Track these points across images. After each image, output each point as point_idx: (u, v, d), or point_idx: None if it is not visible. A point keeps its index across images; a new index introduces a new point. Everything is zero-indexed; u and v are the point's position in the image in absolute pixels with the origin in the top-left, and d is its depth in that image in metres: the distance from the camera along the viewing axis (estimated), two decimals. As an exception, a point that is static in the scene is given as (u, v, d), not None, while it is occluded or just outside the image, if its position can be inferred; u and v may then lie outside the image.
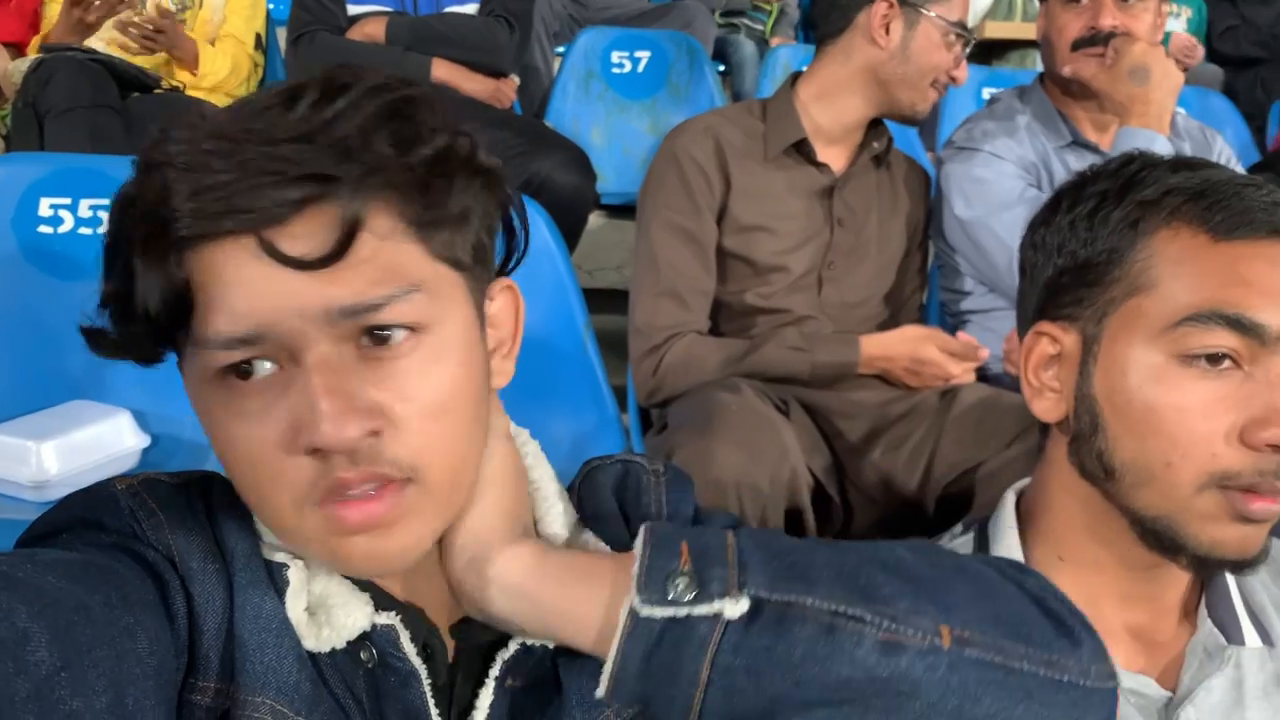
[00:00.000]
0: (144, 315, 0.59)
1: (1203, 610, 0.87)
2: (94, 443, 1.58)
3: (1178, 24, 4.09)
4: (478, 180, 0.65)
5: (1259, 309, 0.78)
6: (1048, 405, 0.88)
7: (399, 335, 0.61)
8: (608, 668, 0.62)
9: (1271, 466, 0.77)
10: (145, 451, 1.66)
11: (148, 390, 1.69)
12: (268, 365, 0.60)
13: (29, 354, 1.70)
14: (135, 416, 1.66)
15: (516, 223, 0.71)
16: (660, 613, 0.61)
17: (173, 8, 2.73)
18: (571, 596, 0.65)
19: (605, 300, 2.49)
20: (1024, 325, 0.92)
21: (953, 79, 1.78)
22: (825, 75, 1.78)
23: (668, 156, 1.75)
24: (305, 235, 0.58)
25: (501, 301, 0.71)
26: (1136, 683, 0.84)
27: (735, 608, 0.61)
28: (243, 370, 0.60)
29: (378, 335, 0.60)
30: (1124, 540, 0.84)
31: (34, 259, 1.73)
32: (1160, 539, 0.82)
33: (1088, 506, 0.86)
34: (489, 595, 0.65)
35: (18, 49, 2.66)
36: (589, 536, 0.74)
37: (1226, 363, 0.79)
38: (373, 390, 0.60)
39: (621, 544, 0.73)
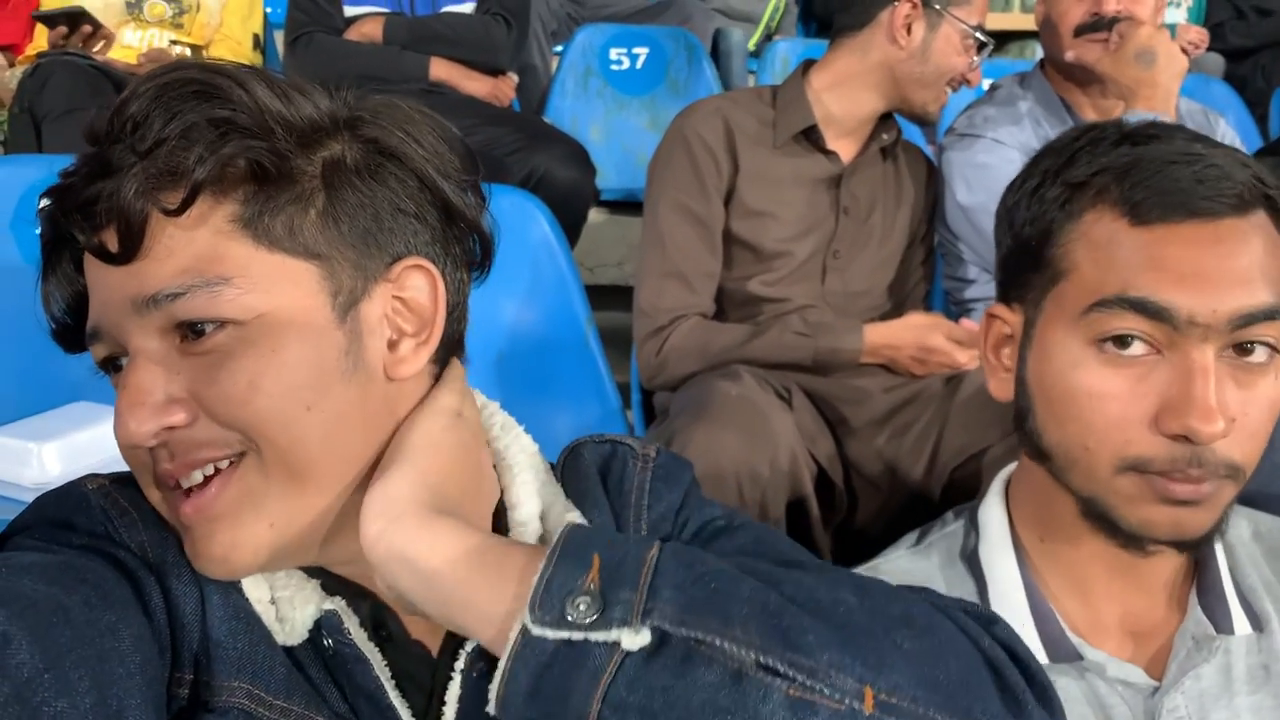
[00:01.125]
0: (57, 319, 0.67)
1: (1193, 597, 0.85)
2: (95, 444, 1.57)
3: (1178, 14, 4.08)
4: (319, 165, 0.63)
5: (1166, 292, 0.76)
6: (1000, 384, 0.88)
7: (208, 328, 0.61)
8: (495, 684, 0.56)
9: (1184, 454, 0.76)
10: (146, 452, 1.66)
11: (149, 391, 1.68)
12: (119, 360, 0.63)
13: (30, 356, 1.70)
14: (136, 417, 1.65)
15: (462, 207, 0.68)
16: (553, 634, 0.55)
17: (168, 14, 2.73)
18: (474, 585, 0.59)
19: (607, 296, 2.48)
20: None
21: (966, 81, 1.78)
22: (841, 67, 1.77)
23: (677, 137, 1.74)
24: (111, 233, 0.60)
25: (411, 285, 0.67)
26: (1123, 671, 0.83)
27: (634, 639, 0.55)
28: (108, 366, 0.65)
29: (194, 329, 0.61)
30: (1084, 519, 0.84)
31: (33, 261, 1.72)
32: (1098, 519, 0.82)
33: (1047, 486, 0.85)
34: (393, 569, 0.60)
35: (13, 53, 2.66)
36: (576, 515, 0.73)
37: (1140, 348, 0.77)
38: (182, 382, 0.61)
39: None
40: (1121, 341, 0.77)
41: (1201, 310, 0.75)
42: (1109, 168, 0.79)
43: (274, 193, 0.62)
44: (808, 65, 1.81)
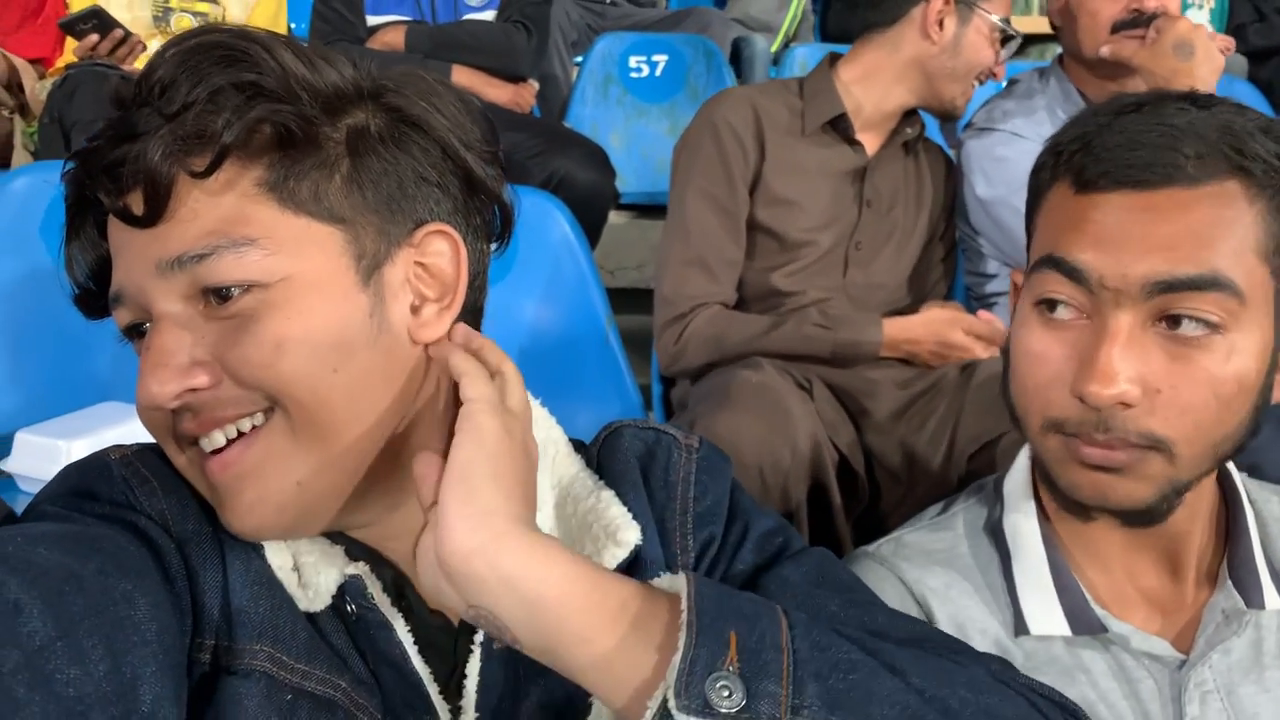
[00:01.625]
0: (81, 285, 0.67)
1: (1223, 571, 0.85)
2: (123, 442, 1.59)
3: (1200, 15, 4.06)
4: (344, 131, 0.64)
5: (1081, 253, 0.76)
6: None
7: (235, 292, 0.61)
8: None
9: (1091, 418, 0.76)
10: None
11: (175, 391, 1.71)
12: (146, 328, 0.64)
13: (58, 357, 1.73)
14: (163, 416, 1.67)
15: (484, 177, 0.69)
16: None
17: (194, 26, 2.77)
18: (592, 628, 0.56)
19: (627, 299, 2.49)
20: None
21: (993, 74, 1.79)
22: (870, 61, 1.77)
23: (705, 123, 1.74)
24: (136, 195, 0.61)
25: (433, 250, 0.68)
26: (1150, 644, 0.82)
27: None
28: (133, 331, 0.65)
29: (219, 294, 0.61)
30: None
31: (63, 265, 1.75)
32: (1046, 481, 0.83)
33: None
34: (491, 588, 0.57)
35: (43, 65, 2.70)
36: (608, 494, 0.72)
37: (1067, 312, 0.78)
38: (206, 345, 0.61)
39: (643, 518, 0.72)
40: (1051, 305, 0.78)
41: (1111, 273, 0.75)
42: (1081, 135, 0.80)
43: (299, 157, 0.63)
44: (833, 58, 1.82)
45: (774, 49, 3.91)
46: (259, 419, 0.63)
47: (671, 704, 0.53)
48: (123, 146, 0.60)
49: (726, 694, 0.53)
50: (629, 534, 0.70)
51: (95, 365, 1.71)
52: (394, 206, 0.66)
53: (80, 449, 1.54)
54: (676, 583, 0.59)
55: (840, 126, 1.75)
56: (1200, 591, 0.85)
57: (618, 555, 0.69)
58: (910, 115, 1.81)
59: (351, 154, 0.64)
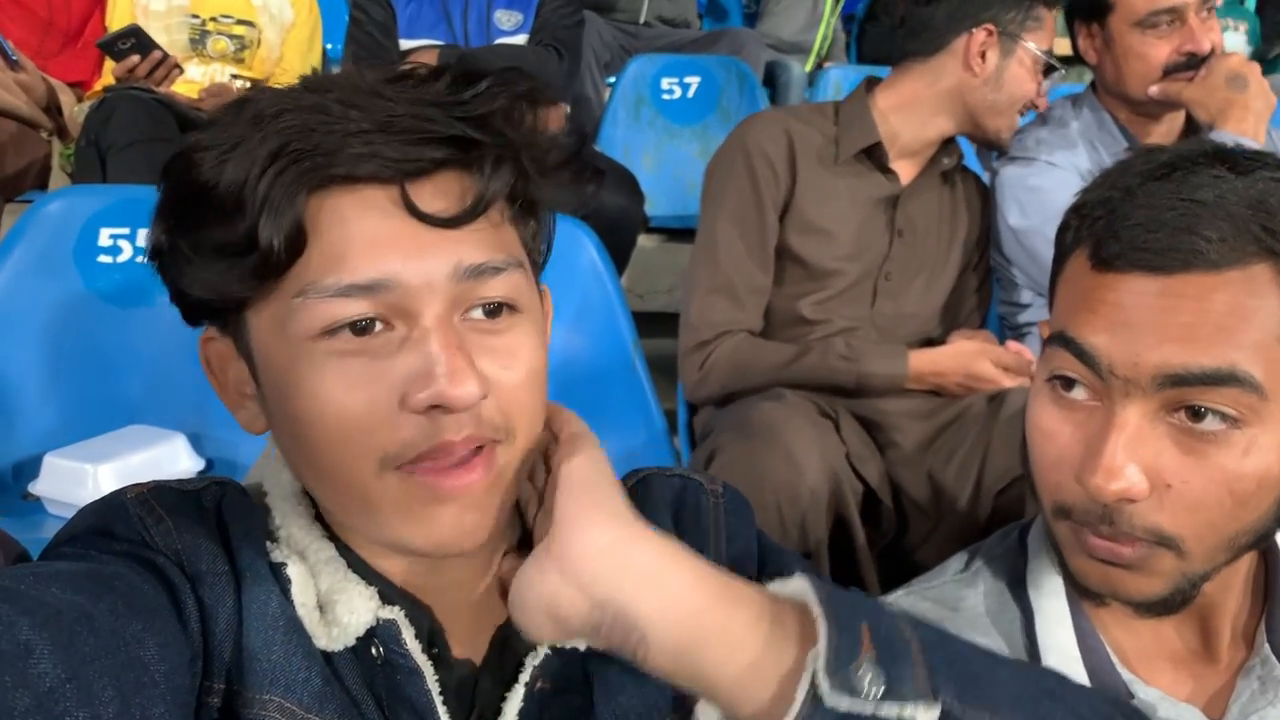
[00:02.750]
0: (266, 251, 0.58)
1: (1261, 634, 0.81)
2: (150, 466, 1.60)
3: (1237, 37, 4.02)
4: (582, 176, 0.67)
5: (1094, 334, 0.72)
6: None
7: (502, 311, 0.63)
8: None
9: (1095, 510, 0.72)
10: (199, 474, 1.68)
11: (202, 415, 1.72)
12: (378, 325, 0.60)
13: (88, 380, 1.74)
14: (190, 440, 1.69)
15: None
16: (846, 704, 0.54)
17: (230, 49, 2.80)
18: (735, 627, 0.57)
19: (656, 323, 2.48)
20: None
21: (1034, 105, 1.77)
22: (909, 90, 1.74)
23: (738, 146, 1.72)
24: (440, 195, 0.60)
25: (544, 302, 0.72)
26: (1178, 711, 0.79)
27: (927, 714, 0.54)
28: (356, 327, 0.60)
29: (487, 309, 0.62)
30: None
31: (94, 288, 1.77)
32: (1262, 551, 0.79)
33: None
34: (633, 586, 0.57)
35: (82, 89, 2.74)
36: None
37: (1082, 393, 0.74)
38: (479, 357, 0.61)
39: None
40: (1067, 383, 0.75)
41: (1121, 361, 0.71)
42: (1106, 200, 0.75)
43: (544, 193, 0.66)
44: (871, 83, 1.79)
45: (807, 68, 3.91)
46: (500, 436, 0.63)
47: (824, 688, 0.54)
48: (442, 145, 0.60)
49: (869, 679, 0.54)
50: None
51: (125, 388, 1.73)
52: (541, 256, 0.70)
53: (107, 473, 1.55)
54: (789, 584, 0.60)
55: (875, 155, 1.73)
56: (1235, 653, 0.82)
57: None
58: (949, 144, 1.79)
59: (561, 199, 0.68)
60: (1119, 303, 0.72)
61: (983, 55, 1.69)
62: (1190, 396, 0.70)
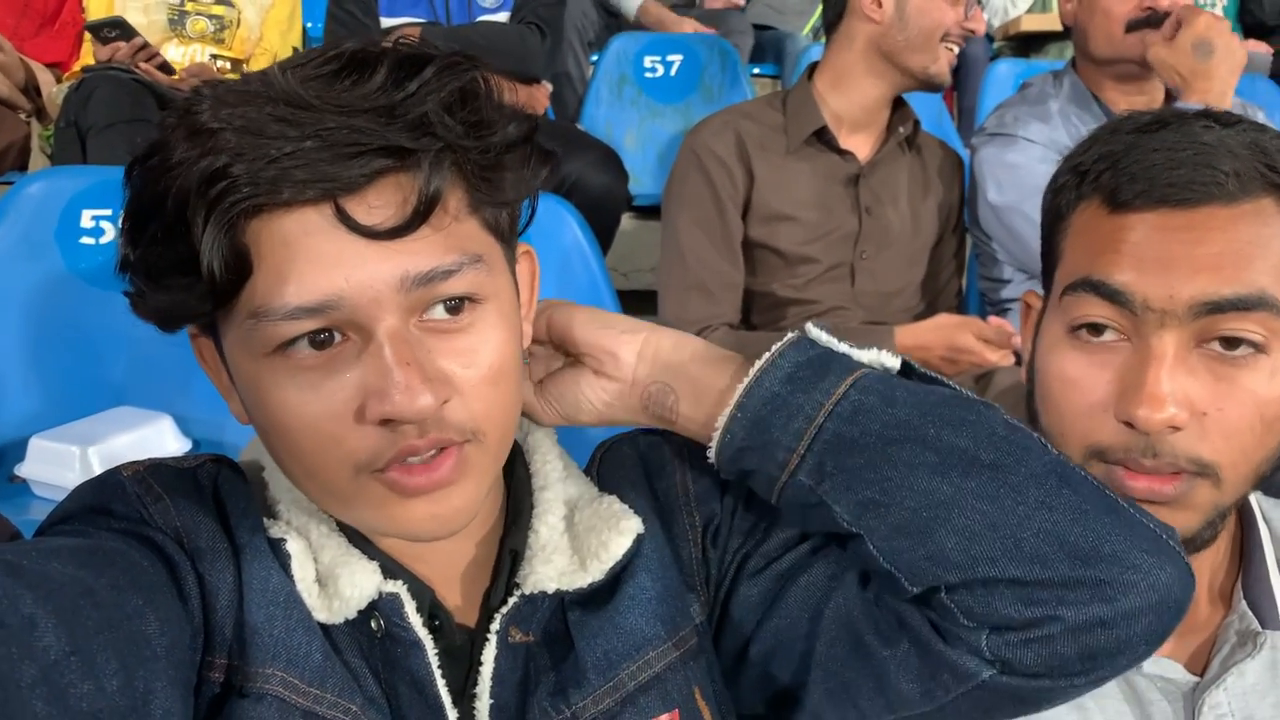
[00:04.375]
0: (207, 279, 0.58)
1: (1238, 591, 0.83)
2: (137, 447, 1.60)
3: (1216, 9, 4.02)
4: (533, 162, 0.66)
5: (1123, 275, 0.74)
6: (1026, 370, 0.88)
7: (463, 306, 0.62)
8: (756, 366, 0.69)
9: (1137, 444, 0.74)
10: (188, 454, 1.69)
11: (189, 396, 1.72)
12: (335, 337, 0.60)
13: (73, 362, 1.74)
14: (176, 421, 1.69)
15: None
16: (824, 339, 0.70)
17: (209, 30, 2.79)
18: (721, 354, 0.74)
19: (642, 301, 2.48)
20: None
21: (971, 30, 1.77)
22: (835, 63, 1.78)
23: (689, 154, 1.76)
24: (381, 206, 0.59)
25: (524, 266, 0.72)
26: (1161, 667, 0.81)
27: (892, 361, 0.69)
28: (315, 340, 0.60)
29: (447, 305, 0.61)
30: None
31: (77, 270, 1.77)
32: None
33: None
34: (668, 367, 0.73)
35: (60, 70, 2.72)
36: (610, 498, 0.75)
37: (1110, 335, 0.76)
38: (439, 360, 0.61)
39: (644, 511, 0.74)
40: (1095, 329, 0.76)
41: (1156, 295, 0.73)
42: (1107, 154, 0.78)
43: (501, 182, 0.64)
44: (813, 69, 1.83)
45: (805, 31, 3.91)
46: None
47: (809, 326, 0.71)
48: (377, 156, 0.59)
49: (847, 343, 0.70)
50: (630, 523, 0.72)
51: (109, 370, 1.73)
52: (514, 226, 0.69)
53: (94, 454, 1.55)
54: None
55: (825, 138, 1.75)
56: (1215, 612, 0.84)
57: (623, 544, 0.71)
58: (900, 110, 1.81)
59: (524, 184, 0.67)
60: (1145, 240, 0.74)
61: (878, 2, 1.72)
62: (1223, 324, 0.73)
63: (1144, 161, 0.75)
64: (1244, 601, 0.82)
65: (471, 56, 0.64)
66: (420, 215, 0.59)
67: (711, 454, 0.70)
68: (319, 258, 0.58)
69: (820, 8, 4.00)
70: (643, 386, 0.73)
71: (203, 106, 0.59)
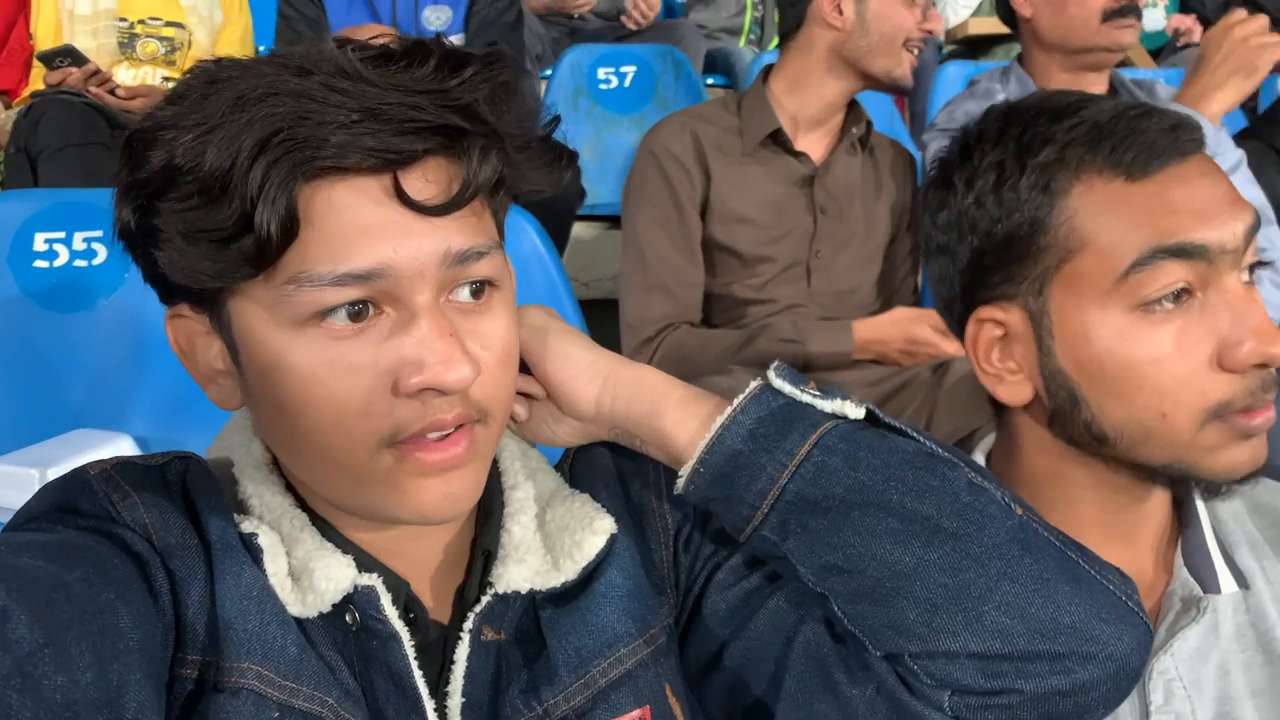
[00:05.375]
0: (261, 239, 0.58)
1: (1178, 559, 0.85)
2: (97, 469, 1.59)
3: (1155, 14, 4.08)
4: (561, 158, 0.69)
5: (1194, 230, 0.76)
6: (1012, 389, 0.84)
7: (485, 290, 0.64)
8: (719, 421, 0.68)
9: (1257, 383, 0.76)
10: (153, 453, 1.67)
11: (147, 416, 1.70)
12: (370, 309, 0.62)
13: (30, 386, 1.72)
14: (136, 442, 1.67)
15: None
16: (789, 389, 0.69)
17: (160, 51, 2.77)
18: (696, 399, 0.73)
19: (601, 310, 2.49)
20: (945, 307, 0.89)
21: (929, 31, 1.79)
22: (795, 68, 1.80)
23: (646, 155, 1.78)
24: (429, 182, 0.61)
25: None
26: None
27: (855, 411, 0.69)
28: (350, 311, 0.61)
29: (472, 288, 0.64)
30: (1105, 485, 0.84)
31: (31, 293, 1.75)
32: (1173, 481, 0.82)
33: (1066, 465, 0.85)
34: (625, 403, 0.73)
35: (9, 96, 2.69)
36: (583, 496, 0.75)
37: (1185, 296, 0.77)
38: (465, 340, 0.63)
39: (616, 511, 0.75)
40: (1175, 295, 0.76)
41: (1228, 237, 0.76)
42: (1075, 140, 0.79)
43: (521, 176, 0.67)
44: (768, 71, 1.85)
45: (741, 45, 3.94)
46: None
47: (772, 375, 0.70)
48: (432, 135, 0.61)
49: (810, 391, 0.70)
50: (604, 522, 0.73)
51: (66, 393, 1.71)
52: (501, 222, 0.71)
53: (53, 477, 1.53)
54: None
55: (779, 140, 1.77)
56: (1159, 580, 0.86)
57: (596, 543, 0.72)
58: (854, 112, 1.83)
59: (537, 180, 0.69)
60: (1186, 194, 0.77)
61: (838, 9, 1.74)
62: (1252, 248, 0.78)
63: (1137, 128, 0.78)
64: (1185, 569, 0.84)
65: (508, 55, 0.66)
66: (467, 196, 0.61)
67: (679, 490, 0.72)
68: (369, 227, 0.60)
69: (747, 20, 4.07)
70: (606, 428, 0.75)
71: (238, 77, 0.60)
